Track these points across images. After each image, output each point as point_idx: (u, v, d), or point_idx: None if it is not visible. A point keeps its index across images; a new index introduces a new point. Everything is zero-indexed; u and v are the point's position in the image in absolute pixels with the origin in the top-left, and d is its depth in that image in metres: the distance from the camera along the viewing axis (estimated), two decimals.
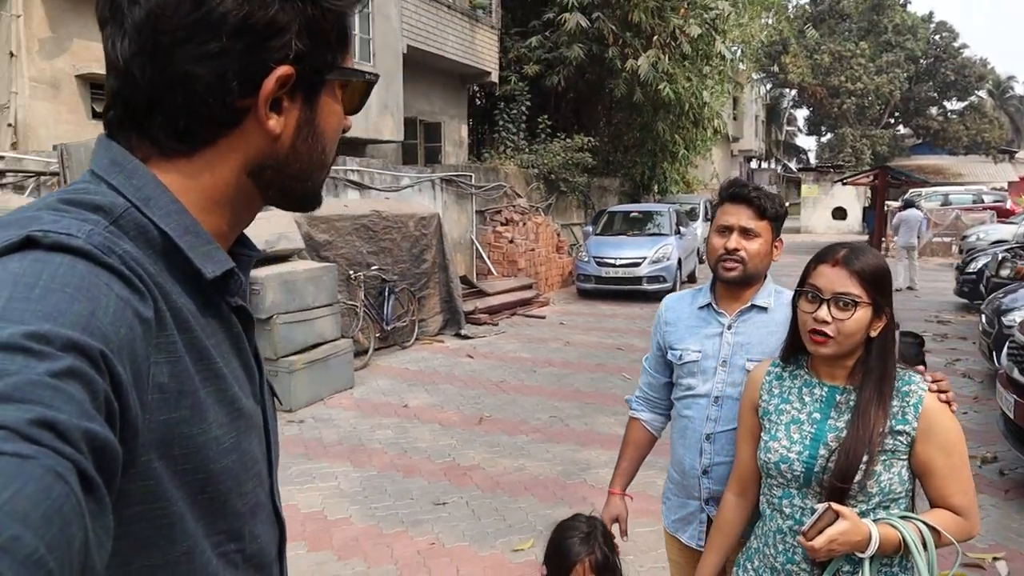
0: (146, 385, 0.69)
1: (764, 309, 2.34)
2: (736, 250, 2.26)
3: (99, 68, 10.14)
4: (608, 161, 20.73)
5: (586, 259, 15.15)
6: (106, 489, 0.56)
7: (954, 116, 51.42)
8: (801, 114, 58.79)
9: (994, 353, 7.65)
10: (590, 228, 17.04)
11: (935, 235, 23.19)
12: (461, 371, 9.10)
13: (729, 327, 2.35)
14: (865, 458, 1.78)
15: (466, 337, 11.05)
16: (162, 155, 0.82)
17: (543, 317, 12.97)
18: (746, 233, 2.27)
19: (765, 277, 2.37)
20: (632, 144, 20.92)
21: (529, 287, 14.38)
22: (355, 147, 13.91)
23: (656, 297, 14.66)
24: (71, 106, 9.53)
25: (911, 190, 28.13)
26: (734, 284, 2.33)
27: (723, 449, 2.32)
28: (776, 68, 45.84)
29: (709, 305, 2.41)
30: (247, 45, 0.78)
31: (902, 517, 1.79)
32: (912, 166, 35.80)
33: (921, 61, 47.84)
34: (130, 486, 0.68)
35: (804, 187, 35.48)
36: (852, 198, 33.65)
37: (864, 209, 32.57)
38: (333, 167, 0.97)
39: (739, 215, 2.27)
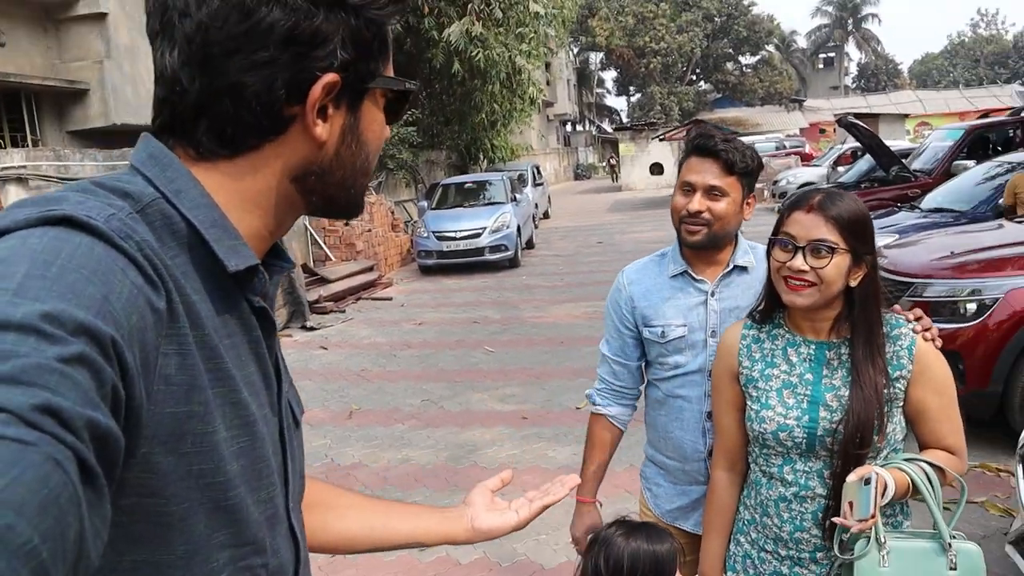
0: (153, 376, 0.68)
1: (745, 269, 2.13)
2: (700, 212, 2.02)
3: None
4: (433, 134, 20.46)
5: (425, 235, 14.83)
6: (106, 479, 0.56)
7: (748, 70, 54.85)
8: (610, 76, 60.75)
9: None
10: (425, 203, 16.70)
11: None
12: (317, 364, 8.68)
13: (712, 294, 2.11)
14: (876, 420, 1.67)
15: (313, 328, 10.56)
16: (204, 159, 0.83)
17: (390, 299, 12.63)
18: (712, 192, 2.02)
19: (737, 236, 2.16)
20: (455, 115, 20.73)
21: (371, 269, 13.95)
22: None
23: (498, 266, 14.69)
24: None
25: None
26: (701, 248, 2.10)
27: None
28: (583, 32, 46.98)
29: (685, 272, 2.15)
30: (294, 54, 0.79)
31: (906, 459, 1.71)
32: (716, 119, 37.55)
33: (716, 19, 50.50)
34: (126, 475, 0.66)
35: (621, 146, 36.65)
36: (668, 153, 35.06)
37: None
38: None
39: (704, 172, 2.01)
